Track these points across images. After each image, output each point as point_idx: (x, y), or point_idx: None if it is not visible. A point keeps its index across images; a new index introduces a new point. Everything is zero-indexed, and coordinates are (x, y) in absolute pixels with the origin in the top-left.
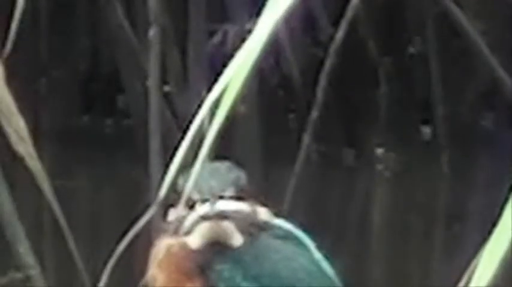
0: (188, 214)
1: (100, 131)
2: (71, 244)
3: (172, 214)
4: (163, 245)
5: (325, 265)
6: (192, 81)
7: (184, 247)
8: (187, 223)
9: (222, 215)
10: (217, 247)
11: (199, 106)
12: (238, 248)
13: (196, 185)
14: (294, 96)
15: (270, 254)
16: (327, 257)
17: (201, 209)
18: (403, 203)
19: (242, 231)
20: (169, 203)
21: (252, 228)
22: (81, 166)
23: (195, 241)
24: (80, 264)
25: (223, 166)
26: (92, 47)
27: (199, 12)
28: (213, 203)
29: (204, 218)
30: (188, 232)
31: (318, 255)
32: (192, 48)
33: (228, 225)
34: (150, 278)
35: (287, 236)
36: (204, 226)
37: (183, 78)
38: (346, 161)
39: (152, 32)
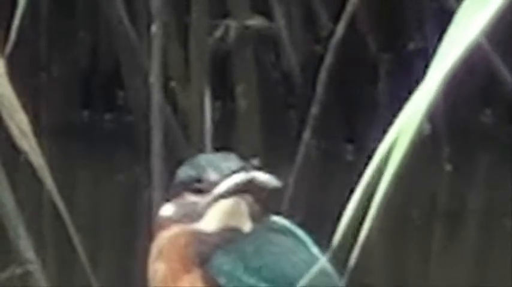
0: (198, 200)
1: (100, 126)
2: (75, 239)
3: (166, 209)
4: (165, 235)
5: (326, 263)
6: (193, 77)
7: (188, 234)
8: (221, 189)
9: (258, 186)
10: (227, 234)
11: (201, 102)
12: (240, 241)
13: (213, 166)
14: (294, 92)
15: (271, 247)
16: (324, 253)
17: (236, 176)
18: (402, 198)
19: (253, 218)
20: (167, 198)
21: (262, 217)
22: (82, 161)
23: (209, 223)
24: (83, 259)
25: (231, 154)
26: (93, 43)
27: (200, 7)
28: (248, 170)
29: (239, 185)
30: (204, 210)
31: (316, 251)
32: (193, 43)
33: (244, 208)
34: (151, 269)
35: (286, 232)
36: (224, 204)
37: (184, 74)
38: (346, 157)
39: (154, 28)
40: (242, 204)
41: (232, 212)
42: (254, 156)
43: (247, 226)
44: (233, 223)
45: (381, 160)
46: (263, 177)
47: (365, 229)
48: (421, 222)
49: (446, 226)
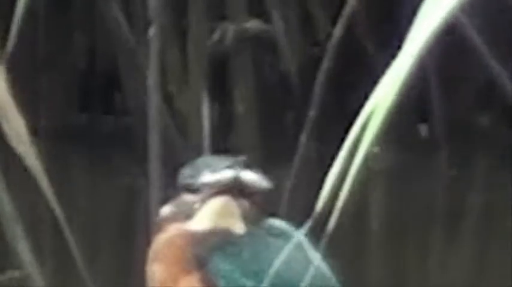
0: (192, 198)
1: (99, 129)
2: (71, 242)
3: (164, 210)
4: (162, 236)
5: (323, 265)
6: (191, 80)
7: (184, 235)
8: (205, 184)
9: (242, 184)
10: (218, 235)
11: (199, 104)
12: (238, 244)
13: (208, 166)
14: (291, 95)
15: (270, 251)
16: (323, 256)
17: (222, 173)
18: (400, 201)
19: (249, 221)
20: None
21: (258, 220)
22: (80, 163)
23: (200, 222)
24: (79, 262)
25: (230, 157)
26: (91, 46)
27: (199, 10)
28: (237, 169)
29: (224, 181)
30: (195, 209)
31: (315, 255)
32: (192, 46)
33: (235, 209)
34: (149, 271)
35: (285, 235)
36: (215, 202)
37: (182, 77)
38: None
39: (152, 31)
40: (232, 204)
41: (222, 212)
42: (241, 154)
43: (238, 227)
44: (223, 223)
45: (359, 131)
46: (251, 176)
47: (342, 198)
48: (421, 223)
49: (446, 226)
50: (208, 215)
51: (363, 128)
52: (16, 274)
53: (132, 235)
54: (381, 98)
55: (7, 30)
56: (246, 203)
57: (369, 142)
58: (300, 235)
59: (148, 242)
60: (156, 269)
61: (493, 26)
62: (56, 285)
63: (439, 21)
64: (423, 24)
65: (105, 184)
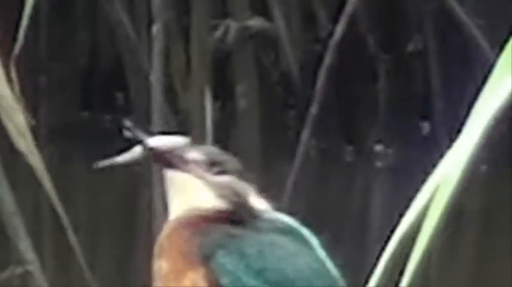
0: None
1: (100, 127)
2: (73, 240)
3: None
4: (164, 231)
5: (329, 264)
6: (194, 77)
7: (189, 228)
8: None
9: (156, 151)
10: (227, 229)
11: (201, 102)
12: (242, 240)
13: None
14: (293, 92)
15: (275, 249)
16: (329, 255)
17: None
18: (402, 199)
19: (221, 196)
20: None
21: (235, 197)
22: (82, 161)
23: (173, 206)
24: (81, 259)
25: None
26: (93, 43)
27: (201, 7)
28: (145, 141)
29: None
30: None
31: (321, 253)
32: (194, 43)
33: (197, 182)
34: (155, 265)
35: (291, 233)
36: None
37: (185, 74)
38: (345, 157)
39: (155, 29)
40: (189, 178)
41: (181, 187)
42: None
43: (208, 201)
44: (189, 199)
45: (419, 213)
46: (162, 142)
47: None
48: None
49: (446, 226)
50: (174, 195)
51: (425, 209)
52: (18, 271)
53: (134, 233)
54: (444, 179)
55: (14, 31)
56: (218, 179)
57: (434, 225)
58: (306, 232)
59: (150, 240)
60: (161, 265)
61: (494, 22)
62: (58, 282)
63: (505, 98)
64: (487, 103)
65: (107, 181)
